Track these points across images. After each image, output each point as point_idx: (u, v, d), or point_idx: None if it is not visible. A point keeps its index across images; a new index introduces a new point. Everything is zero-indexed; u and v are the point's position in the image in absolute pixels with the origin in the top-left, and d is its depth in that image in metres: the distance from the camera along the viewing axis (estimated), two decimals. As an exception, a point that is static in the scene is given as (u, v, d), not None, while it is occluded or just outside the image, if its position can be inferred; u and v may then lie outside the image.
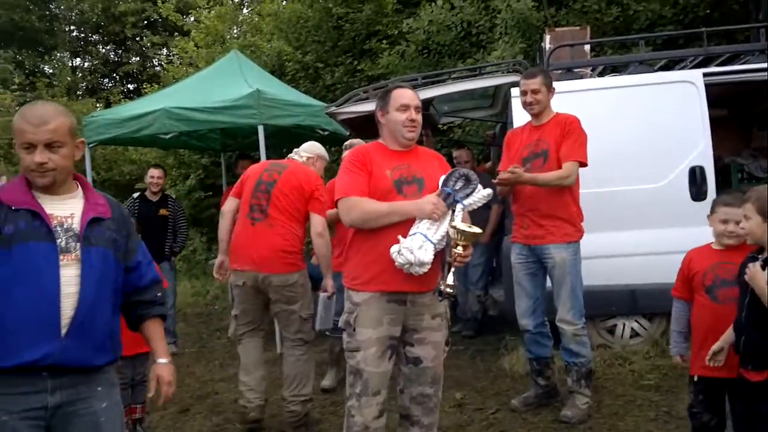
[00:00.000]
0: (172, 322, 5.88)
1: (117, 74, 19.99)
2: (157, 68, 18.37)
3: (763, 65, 4.71)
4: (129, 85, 20.09)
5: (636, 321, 4.58)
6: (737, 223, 2.63)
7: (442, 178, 2.73)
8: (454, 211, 2.65)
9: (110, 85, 20.06)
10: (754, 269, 2.34)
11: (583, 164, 3.60)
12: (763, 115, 5.93)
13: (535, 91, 3.69)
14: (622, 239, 4.29)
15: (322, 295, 3.95)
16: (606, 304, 4.40)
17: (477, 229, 2.58)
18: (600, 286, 4.19)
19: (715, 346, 2.53)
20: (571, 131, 3.62)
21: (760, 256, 2.40)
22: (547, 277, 3.73)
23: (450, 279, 2.56)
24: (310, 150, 4.21)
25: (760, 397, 2.36)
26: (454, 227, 2.55)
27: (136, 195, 6.12)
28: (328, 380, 4.51)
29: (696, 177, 4.42)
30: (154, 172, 6.03)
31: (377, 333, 2.66)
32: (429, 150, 3.10)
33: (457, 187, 2.70)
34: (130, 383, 3.74)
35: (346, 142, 4.78)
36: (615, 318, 4.58)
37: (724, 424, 2.72)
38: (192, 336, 6.53)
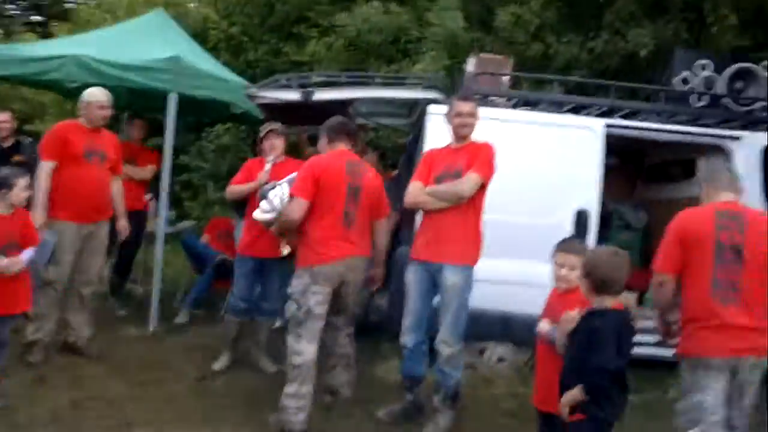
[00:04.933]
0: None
1: (22, 2, 18.55)
2: (70, 4, 17.20)
3: (659, 126, 5.12)
4: (36, 17, 18.69)
5: (505, 347, 4.81)
6: (571, 268, 2.82)
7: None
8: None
9: (13, 11, 18.58)
10: (568, 314, 2.60)
11: (483, 183, 3.72)
12: (650, 170, 6.41)
13: (471, 114, 3.81)
14: (502, 266, 4.43)
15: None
16: (480, 328, 4.57)
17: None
18: (477, 309, 4.35)
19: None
20: (481, 154, 3.76)
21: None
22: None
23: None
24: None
25: None
26: None
27: None
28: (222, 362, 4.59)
29: (581, 219, 4.71)
30: (2, 117, 5.66)
31: None
32: None
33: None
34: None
35: (264, 126, 4.76)
36: (486, 341, 4.79)
37: None
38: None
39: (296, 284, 3.72)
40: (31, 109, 10.72)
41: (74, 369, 4.35)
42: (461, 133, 3.85)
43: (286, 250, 4.13)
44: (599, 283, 2.62)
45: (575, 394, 2.55)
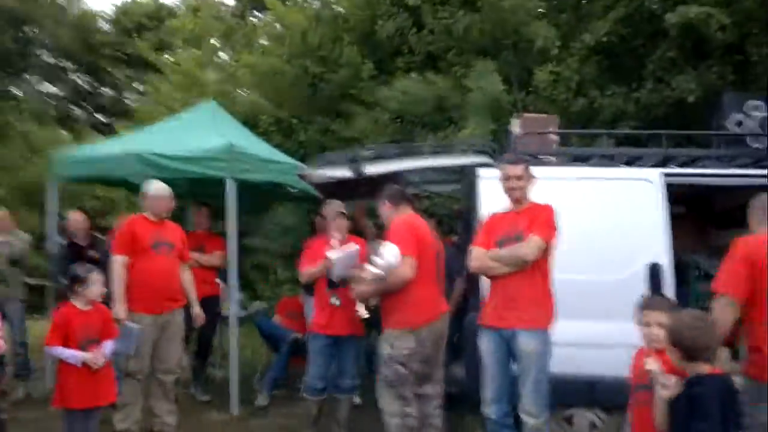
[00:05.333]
0: None
1: (88, 104, 19.82)
2: (130, 103, 18.29)
3: (721, 171, 4.99)
4: (100, 117, 19.91)
5: (594, 413, 4.60)
6: (660, 326, 2.71)
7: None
8: None
9: (80, 114, 19.85)
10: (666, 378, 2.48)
11: (546, 244, 3.70)
12: (720, 216, 6.21)
13: (518, 177, 3.85)
14: (581, 329, 4.32)
15: None
16: (565, 394, 4.39)
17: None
18: (558, 375, 4.24)
19: None
20: (541, 215, 3.77)
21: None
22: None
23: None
24: None
25: None
26: None
27: (63, 241, 6.01)
28: None
29: (654, 273, 4.55)
30: (74, 217, 6.02)
31: None
32: None
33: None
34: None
35: (326, 206, 4.97)
36: (573, 408, 4.59)
37: None
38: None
39: (398, 346, 3.84)
40: (102, 205, 11.29)
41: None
42: (513, 197, 3.89)
43: (365, 314, 4.17)
44: (688, 352, 2.50)
45: None
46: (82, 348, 3.70)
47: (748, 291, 2.91)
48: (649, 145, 5.71)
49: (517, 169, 3.86)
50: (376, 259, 3.89)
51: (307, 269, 4.71)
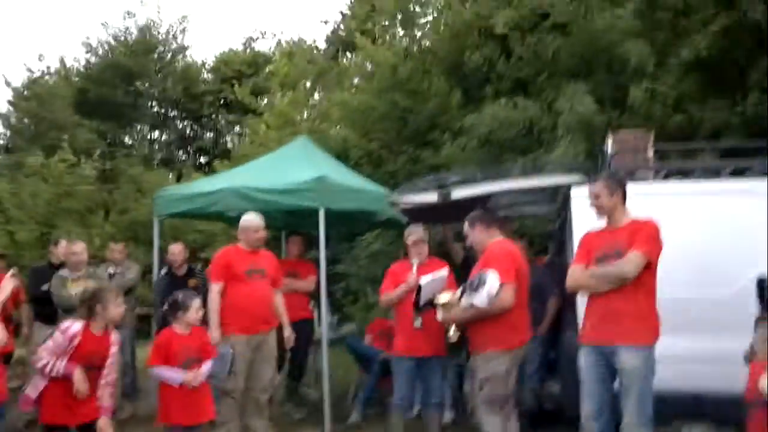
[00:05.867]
0: None
1: (191, 148, 21.09)
2: (229, 145, 19.30)
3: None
4: (201, 159, 21.12)
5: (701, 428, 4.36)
6: None
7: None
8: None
9: (184, 157, 21.13)
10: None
11: (648, 261, 3.57)
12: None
13: (596, 196, 3.79)
14: (687, 343, 4.13)
15: None
16: (671, 409, 4.21)
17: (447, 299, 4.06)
18: (665, 391, 4.04)
19: None
20: (643, 231, 3.64)
21: None
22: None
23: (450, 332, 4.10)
24: None
25: None
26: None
27: (163, 271, 6.31)
28: None
29: (763, 287, 4.29)
30: (173, 249, 6.28)
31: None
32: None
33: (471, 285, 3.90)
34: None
35: (407, 230, 4.97)
36: (681, 422, 4.37)
37: None
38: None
39: (496, 367, 3.96)
40: (204, 238, 11.86)
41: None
42: (599, 215, 3.84)
43: (455, 336, 4.18)
44: None
45: None
46: (184, 368, 3.85)
47: None
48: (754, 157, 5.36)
49: (595, 188, 3.81)
50: (481, 290, 3.92)
51: (386, 294, 4.79)
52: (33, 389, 3.45)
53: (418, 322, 4.55)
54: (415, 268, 4.67)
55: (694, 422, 4.36)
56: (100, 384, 3.54)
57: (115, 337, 3.67)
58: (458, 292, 4.16)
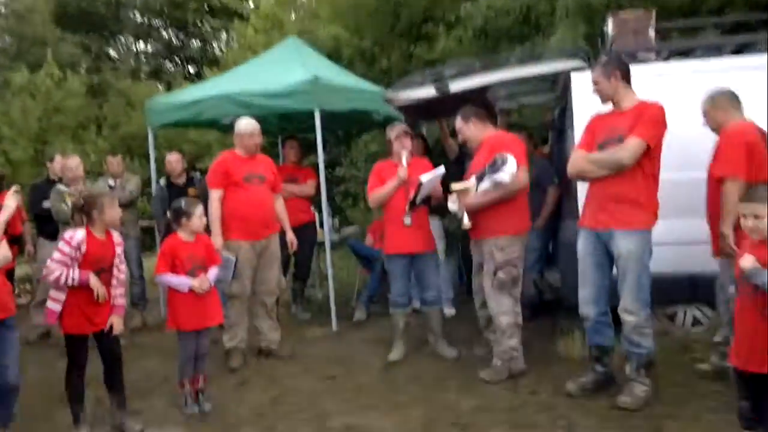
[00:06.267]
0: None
1: (178, 58, 20.53)
2: (217, 52, 18.77)
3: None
4: (190, 68, 20.61)
5: (698, 309, 4.49)
6: (757, 218, 2.64)
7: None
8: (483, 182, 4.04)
9: (172, 68, 20.62)
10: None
11: (648, 145, 3.52)
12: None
13: (595, 82, 3.73)
14: (684, 226, 4.17)
15: None
16: (667, 292, 4.31)
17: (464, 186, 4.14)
18: (662, 273, 4.10)
19: None
20: (644, 114, 3.57)
21: None
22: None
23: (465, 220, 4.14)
24: None
25: None
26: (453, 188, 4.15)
27: (162, 181, 6.26)
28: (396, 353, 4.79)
29: (766, 166, 4.26)
30: (170, 158, 6.19)
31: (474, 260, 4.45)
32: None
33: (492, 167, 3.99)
34: (195, 355, 3.94)
35: (390, 128, 4.88)
36: (676, 305, 4.50)
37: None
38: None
39: (512, 251, 4.15)
40: (198, 149, 11.78)
41: (270, 370, 4.69)
42: (602, 101, 3.78)
43: (469, 224, 4.21)
44: None
45: None
46: (190, 275, 3.89)
47: None
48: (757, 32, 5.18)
49: (594, 74, 3.74)
50: (504, 169, 4.03)
51: (376, 191, 4.73)
52: (55, 303, 3.50)
53: (408, 220, 4.57)
54: (404, 161, 4.61)
55: (689, 305, 4.49)
56: (112, 284, 3.60)
57: (117, 237, 3.69)
58: (473, 179, 4.19)
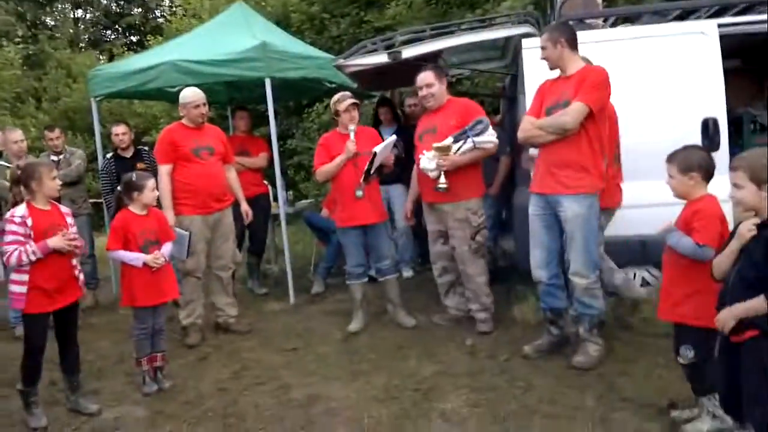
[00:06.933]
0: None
1: (119, 26, 19.75)
2: (160, 20, 18.12)
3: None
4: (132, 37, 19.87)
5: (647, 270, 4.64)
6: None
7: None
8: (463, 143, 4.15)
9: (113, 37, 19.84)
10: (744, 225, 2.37)
11: (590, 110, 3.56)
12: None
13: (542, 47, 3.77)
14: (634, 190, 4.26)
15: None
16: (618, 254, 4.43)
17: (445, 144, 4.16)
18: (613, 237, 4.23)
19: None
20: (586, 79, 3.61)
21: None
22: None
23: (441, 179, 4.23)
24: None
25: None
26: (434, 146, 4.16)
27: (109, 155, 6.04)
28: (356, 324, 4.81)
29: (709, 128, 4.40)
30: (117, 130, 5.96)
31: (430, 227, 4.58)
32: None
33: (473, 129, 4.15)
34: (151, 332, 3.88)
35: (336, 98, 4.77)
36: (627, 267, 4.62)
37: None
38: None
39: (482, 213, 4.43)
40: (145, 122, 11.45)
41: (229, 345, 4.66)
42: (550, 67, 3.82)
43: (445, 185, 4.29)
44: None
45: (755, 306, 2.29)
46: (143, 251, 3.81)
47: None
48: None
49: (541, 40, 3.80)
50: (487, 131, 4.25)
51: (324, 167, 4.67)
52: (19, 285, 3.36)
53: (360, 192, 4.56)
54: (352, 135, 4.57)
55: (639, 267, 4.63)
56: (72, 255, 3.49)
57: (64, 208, 3.57)
58: (450, 138, 4.21)
